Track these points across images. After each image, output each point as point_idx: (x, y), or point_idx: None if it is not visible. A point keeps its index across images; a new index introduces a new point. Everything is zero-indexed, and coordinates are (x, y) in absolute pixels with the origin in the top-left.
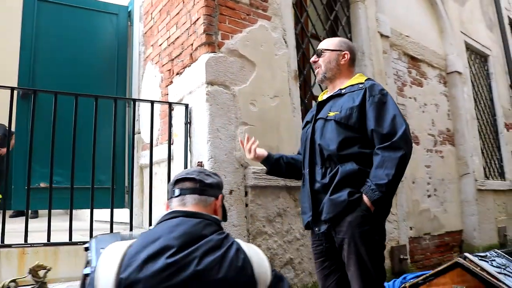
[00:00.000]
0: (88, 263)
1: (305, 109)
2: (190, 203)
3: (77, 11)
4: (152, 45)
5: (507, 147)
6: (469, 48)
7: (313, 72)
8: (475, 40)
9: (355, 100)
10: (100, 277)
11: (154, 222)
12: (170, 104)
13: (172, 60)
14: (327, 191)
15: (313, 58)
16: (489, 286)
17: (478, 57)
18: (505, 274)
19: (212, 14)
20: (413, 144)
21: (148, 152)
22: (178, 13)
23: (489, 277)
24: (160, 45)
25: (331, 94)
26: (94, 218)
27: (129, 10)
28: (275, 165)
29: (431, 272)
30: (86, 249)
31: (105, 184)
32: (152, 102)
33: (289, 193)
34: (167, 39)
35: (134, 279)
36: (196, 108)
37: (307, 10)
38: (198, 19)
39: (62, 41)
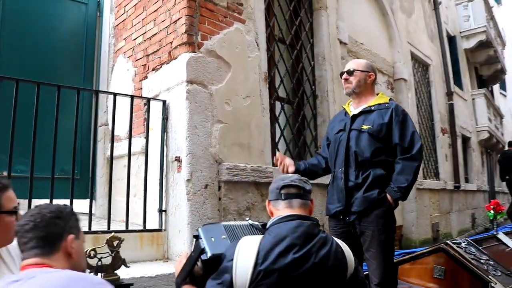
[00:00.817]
0: (203, 250)
1: (271, 109)
2: (296, 206)
3: None
4: (124, 39)
5: (442, 150)
6: (413, 57)
7: (279, 74)
8: (419, 50)
9: (384, 118)
10: (239, 265)
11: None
12: (149, 100)
13: (148, 55)
14: (359, 189)
15: (345, 76)
16: (465, 268)
17: (420, 65)
18: (476, 260)
19: (193, 15)
20: None
21: (118, 144)
22: (156, 10)
23: (466, 261)
24: (134, 39)
25: (362, 109)
26: None
27: (98, 1)
28: (302, 174)
29: (418, 252)
30: (196, 237)
31: (70, 174)
32: (132, 97)
33: (257, 188)
34: (143, 34)
35: (271, 269)
36: (175, 104)
37: (276, 15)
38: (179, 19)
39: (28, 28)
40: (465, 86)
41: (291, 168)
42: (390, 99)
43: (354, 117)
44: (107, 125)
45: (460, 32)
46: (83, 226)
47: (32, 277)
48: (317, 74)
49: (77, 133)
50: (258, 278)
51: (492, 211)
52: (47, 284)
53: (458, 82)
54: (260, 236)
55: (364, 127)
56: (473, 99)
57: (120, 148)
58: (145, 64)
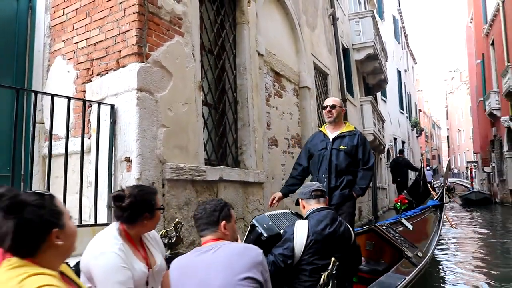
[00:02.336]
0: (261, 234)
1: (203, 115)
2: (321, 202)
3: None
4: (64, 41)
5: None
6: (315, 67)
7: (208, 82)
8: (320, 61)
9: (353, 141)
10: (297, 237)
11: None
12: (99, 103)
13: (92, 60)
14: (337, 189)
15: (328, 109)
16: (387, 242)
17: (321, 75)
18: (393, 236)
19: (143, 28)
20: (273, 146)
21: (57, 143)
22: (102, 18)
23: (388, 237)
24: (76, 43)
25: (338, 134)
26: None
27: None
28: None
29: (356, 232)
30: (252, 226)
31: (1, 172)
32: (84, 101)
33: (193, 185)
34: (86, 39)
35: (316, 239)
36: (124, 109)
37: (206, 28)
38: (129, 30)
39: None
40: (356, 93)
41: (279, 199)
42: (354, 128)
43: (333, 140)
44: (43, 123)
45: (353, 45)
46: None
47: (219, 247)
48: (239, 82)
49: (14, 131)
50: (310, 244)
51: (399, 203)
52: (232, 250)
53: (350, 90)
54: (306, 220)
55: (342, 147)
56: (361, 105)
57: (60, 147)
58: (88, 68)
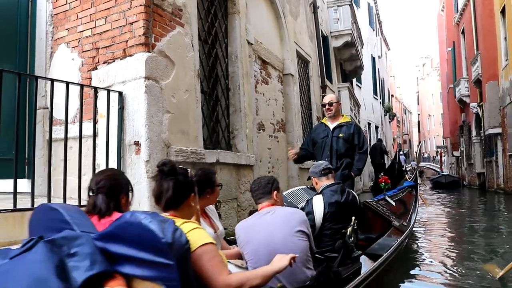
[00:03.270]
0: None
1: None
2: (330, 178)
3: None
4: (67, 29)
5: None
6: (298, 55)
7: (203, 70)
8: (302, 49)
9: (350, 130)
10: (316, 211)
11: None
12: (108, 91)
13: (98, 49)
14: (337, 170)
15: (327, 106)
16: (378, 215)
17: (303, 62)
18: (382, 211)
19: (149, 19)
20: (261, 131)
21: (59, 127)
22: (108, 9)
23: (379, 211)
24: (80, 31)
25: (337, 124)
26: None
27: None
28: (304, 156)
29: None
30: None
31: (5, 155)
32: (96, 88)
33: (193, 167)
34: (91, 28)
35: (334, 209)
36: (132, 96)
37: (202, 18)
38: (136, 21)
39: None
40: (334, 79)
41: (296, 154)
42: (350, 118)
43: (333, 129)
44: (46, 108)
45: (331, 32)
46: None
47: (275, 211)
48: (230, 70)
49: (17, 116)
50: (327, 215)
51: (383, 183)
52: (286, 211)
53: (329, 76)
54: (321, 195)
55: (341, 135)
56: (339, 91)
57: (63, 131)
58: (94, 56)
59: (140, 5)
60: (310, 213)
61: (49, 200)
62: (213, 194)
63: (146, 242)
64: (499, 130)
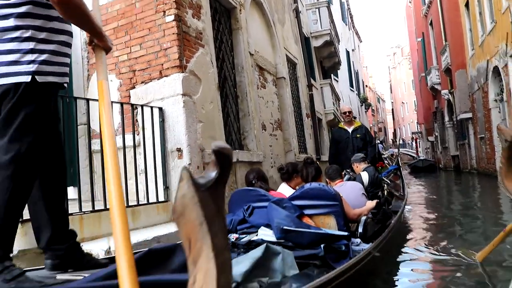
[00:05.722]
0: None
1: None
2: (366, 162)
3: None
4: None
5: (307, 130)
6: (287, 58)
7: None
8: (290, 53)
9: (363, 131)
10: (364, 178)
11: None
12: (151, 107)
13: (134, 71)
14: None
15: (346, 114)
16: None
17: (291, 65)
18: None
19: (180, 45)
20: (263, 131)
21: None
22: (142, 37)
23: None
24: (117, 56)
25: (353, 128)
26: None
27: None
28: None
29: None
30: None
31: None
32: (142, 106)
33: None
34: (127, 54)
35: (372, 179)
36: (171, 110)
37: (214, 37)
38: (170, 47)
39: None
40: (316, 77)
41: None
42: (361, 123)
43: (352, 131)
44: (86, 124)
45: (311, 33)
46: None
47: (345, 184)
48: (238, 79)
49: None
50: (369, 182)
51: (380, 167)
52: (352, 184)
53: (312, 74)
54: (365, 172)
55: (358, 135)
56: (321, 87)
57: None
58: (131, 78)
59: (173, 33)
60: (359, 181)
61: (92, 203)
62: (300, 178)
63: (323, 195)
64: (469, 115)
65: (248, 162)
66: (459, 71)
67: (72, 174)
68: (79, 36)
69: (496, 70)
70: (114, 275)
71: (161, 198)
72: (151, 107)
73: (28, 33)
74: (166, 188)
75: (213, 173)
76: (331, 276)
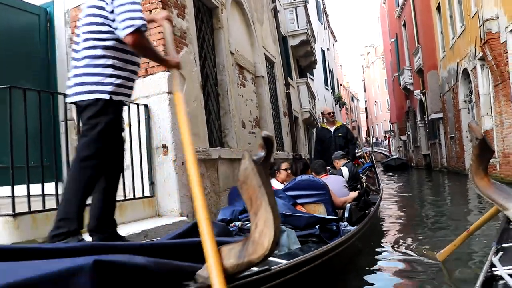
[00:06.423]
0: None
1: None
2: (346, 159)
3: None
4: None
5: (284, 128)
6: (266, 57)
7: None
8: (268, 52)
9: (344, 130)
10: (344, 173)
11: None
12: (138, 104)
13: None
14: None
15: (331, 114)
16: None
17: (270, 64)
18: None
19: (165, 43)
20: (243, 128)
21: None
22: None
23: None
24: None
25: (335, 128)
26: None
27: (48, 13)
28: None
29: None
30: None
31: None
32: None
33: (204, 163)
34: None
35: (353, 174)
36: (156, 108)
37: (197, 36)
38: (156, 46)
39: None
40: (293, 76)
41: None
42: (342, 123)
43: (334, 131)
44: (73, 120)
45: (288, 32)
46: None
47: (329, 177)
48: (219, 78)
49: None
50: (350, 177)
51: (356, 164)
52: (336, 178)
53: (289, 73)
54: (346, 167)
55: (340, 134)
56: (298, 86)
57: None
58: None
59: (159, 32)
60: (341, 175)
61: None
62: (280, 172)
63: (312, 186)
64: (440, 115)
65: (229, 159)
66: (431, 72)
67: (56, 168)
68: (63, 32)
69: (465, 72)
70: (187, 233)
71: (147, 193)
72: (137, 104)
73: (110, 61)
74: (152, 183)
75: (262, 153)
76: (326, 248)
